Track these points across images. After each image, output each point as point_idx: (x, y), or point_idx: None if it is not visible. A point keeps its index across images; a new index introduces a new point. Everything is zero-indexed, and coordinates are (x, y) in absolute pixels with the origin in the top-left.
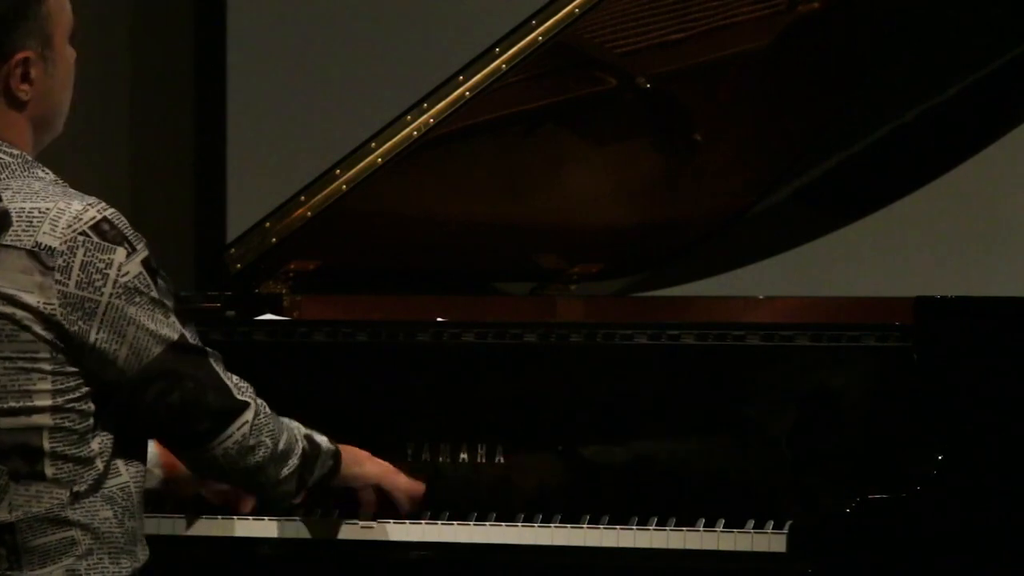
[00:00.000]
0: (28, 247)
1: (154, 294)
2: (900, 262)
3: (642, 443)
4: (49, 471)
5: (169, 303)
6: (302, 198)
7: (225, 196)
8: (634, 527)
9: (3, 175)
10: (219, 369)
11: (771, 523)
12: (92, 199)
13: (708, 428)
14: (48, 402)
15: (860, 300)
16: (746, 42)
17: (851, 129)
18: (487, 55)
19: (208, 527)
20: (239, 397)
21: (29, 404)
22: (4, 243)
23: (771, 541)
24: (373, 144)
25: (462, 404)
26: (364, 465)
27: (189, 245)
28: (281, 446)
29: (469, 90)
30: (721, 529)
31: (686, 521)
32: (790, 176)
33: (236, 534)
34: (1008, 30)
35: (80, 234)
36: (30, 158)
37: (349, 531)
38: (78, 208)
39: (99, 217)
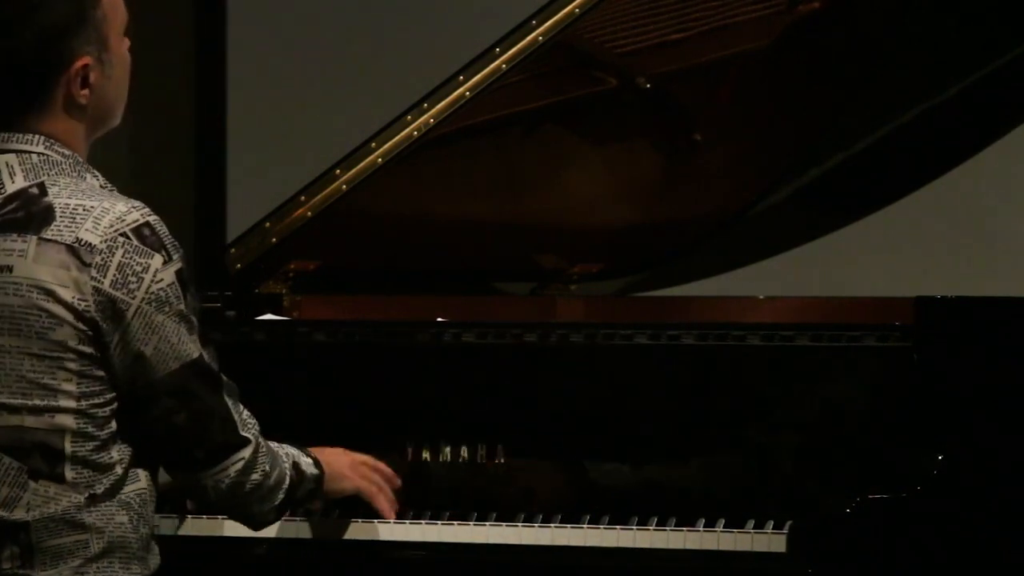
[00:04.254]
0: (69, 242)
1: (182, 307)
2: (900, 262)
3: (642, 443)
4: (69, 475)
5: (195, 321)
6: (302, 198)
7: (225, 196)
8: (634, 527)
9: (53, 172)
10: (230, 402)
11: (771, 523)
12: (137, 203)
13: (708, 428)
14: (72, 404)
15: (860, 300)
16: (746, 42)
17: (851, 129)
18: (487, 55)
19: (205, 527)
20: (242, 433)
21: (54, 403)
22: (45, 237)
23: (771, 541)
24: (373, 144)
25: (462, 404)
26: (344, 481)
27: (189, 245)
28: (271, 482)
29: (469, 90)
30: (721, 529)
31: (686, 521)
32: (790, 176)
33: (234, 534)
34: (1008, 30)
35: (121, 235)
36: (81, 160)
37: (347, 531)
38: (122, 209)
39: (142, 221)
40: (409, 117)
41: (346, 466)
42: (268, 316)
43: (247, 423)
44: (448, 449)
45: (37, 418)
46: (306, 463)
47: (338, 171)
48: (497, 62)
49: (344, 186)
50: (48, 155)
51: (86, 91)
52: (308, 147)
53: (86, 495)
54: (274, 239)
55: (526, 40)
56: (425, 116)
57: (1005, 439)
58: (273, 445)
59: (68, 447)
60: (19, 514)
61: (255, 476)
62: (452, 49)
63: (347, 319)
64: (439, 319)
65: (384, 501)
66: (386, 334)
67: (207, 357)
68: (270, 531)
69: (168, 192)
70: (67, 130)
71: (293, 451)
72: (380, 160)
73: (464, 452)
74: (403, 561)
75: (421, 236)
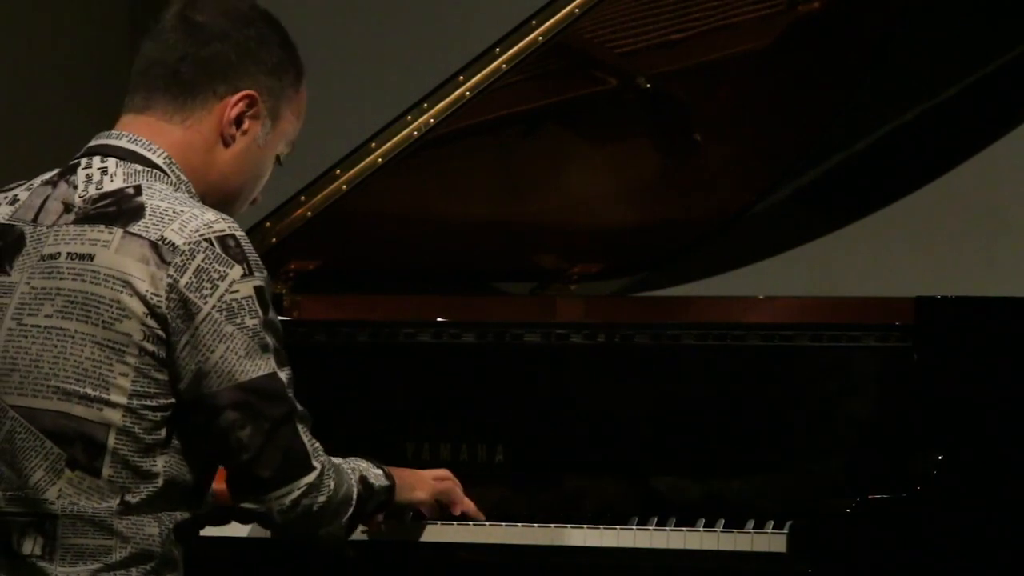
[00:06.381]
0: (153, 239)
1: (256, 323)
2: (900, 262)
3: (642, 443)
4: (106, 471)
5: (271, 340)
6: (302, 198)
7: None
8: (634, 527)
9: (151, 179)
10: (301, 428)
11: (771, 523)
12: (228, 217)
13: (708, 428)
14: (123, 400)
15: (860, 300)
16: (746, 42)
17: (851, 129)
18: (487, 55)
19: (219, 527)
20: (312, 461)
21: (105, 396)
22: (131, 231)
23: (771, 541)
24: (373, 144)
25: (462, 404)
26: (415, 492)
27: None
28: (338, 500)
29: (469, 90)
30: (721, 529)
31: (686, 521)
32: (790, 176)
33: (242, 534)
34: (1007, 30)
35: (205, 240)
36: (192, 190)
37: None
38: (211, 218)
39: (228, 232)
40: (409, 117)
41: (419, 478)
42: None
43: (317, 452)
44: (448, 449)
45: (86, 408)
46: (375, 475)
47: (338, 171)
48: (497, 62)
49: (344, 186)
50: (157, 168)
51: (235, 131)
52: (308, 147)
53: (119, 499)
54: (274, 239)
55: (526, 40)
56: (425, 116)
57: (1005, 439)
58: (338, 460)
59: (111, 442)
60: (51, 496)
61: (321, 498)
62: (452, 49)
63: (347, 319)
64: (439, 319)
65: (469, 503)
66: (386, 334)
67: (281, 378)
68: None
69: None
70: (194, 166)
71: (362, 464)
72: (380, 160)
73: (464, 452)
74: (402, 561)
75: (421, 236)
